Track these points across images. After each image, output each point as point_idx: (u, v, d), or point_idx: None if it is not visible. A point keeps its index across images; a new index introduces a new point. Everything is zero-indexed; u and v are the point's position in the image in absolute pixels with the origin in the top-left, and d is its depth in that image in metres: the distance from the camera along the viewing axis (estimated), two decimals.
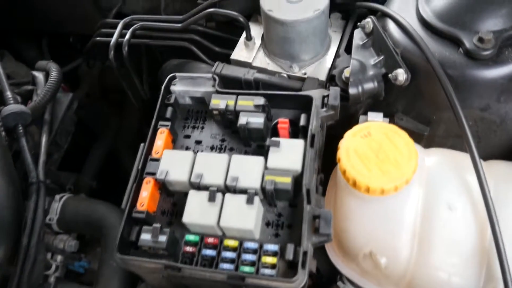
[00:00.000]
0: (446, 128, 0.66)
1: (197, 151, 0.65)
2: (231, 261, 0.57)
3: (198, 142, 0.68)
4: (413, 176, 0.56)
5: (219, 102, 0.65)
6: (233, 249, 0.58)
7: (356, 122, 0.67)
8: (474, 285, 0.57)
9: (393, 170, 0.56)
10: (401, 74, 0.64)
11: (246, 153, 0.66)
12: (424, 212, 0.58)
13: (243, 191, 0.58)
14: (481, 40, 0.59)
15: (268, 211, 0.61)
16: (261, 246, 0.58)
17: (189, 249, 0.59)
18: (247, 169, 0.60)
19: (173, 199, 0.64)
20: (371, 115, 0.66)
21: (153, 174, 0.63)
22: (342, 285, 0.76)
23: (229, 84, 0.75)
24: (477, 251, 0.56)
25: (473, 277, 0.56)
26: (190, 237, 0.60)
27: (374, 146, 0.58)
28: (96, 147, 1.18)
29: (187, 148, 0.68)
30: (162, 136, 0.66)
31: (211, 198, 0.58)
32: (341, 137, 0.62)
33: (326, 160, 0.71)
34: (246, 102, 0.64)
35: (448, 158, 0.62)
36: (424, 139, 0.67)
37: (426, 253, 0.57)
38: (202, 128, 0.69)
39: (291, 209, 0.61)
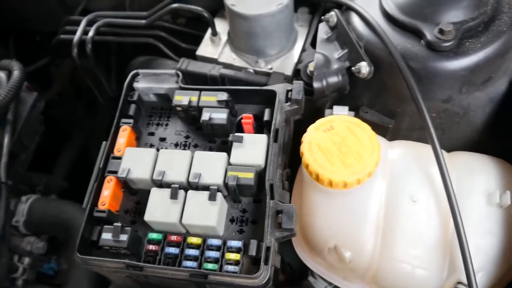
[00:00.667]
0: (410, 120, 0.66)
1: (161, 149, 0.64)
2: (195, 258, 0.57)
3: (163, 139, 0.67)
4: (375, 169, 0.56)
5: (182, 98, 0.64)
6: (197, 247, 0.57)
7: (322, 116, 0.67)
8: (437, 276, 0.57)
9: (356, 163, 0.56)
10: (364, 67, 0.63)
11: (210, 149, 0.65)
12: (387, 204, 0.58)
13: (206, 188, 0.57)
14: (441, 31, 0.59)
15: (232, 207, 0.60)
16: (224, 243, 0.57)
17: (152, 247, 0.58)
18: (210, 165, 0.59)
19: (136, 197, 0.63)
20: (337, 109, 0.65)
21: (115, 172, 0.61)
22: (312, 279, 0.76)
23: (195, 81, 0.75)
24: (440, 243, 0.56)
25: (437, 269, 0.57)
26: (153, 236, 0.59)
27: (336, 139, 0.58)
28: (68, 147, 1.16)
29: (151, 146, 0.67)
30: (124, 133, 0.64)
31: (174, 196, 0.57)
32: None
33: (295, 155, 0.70)
34: (210, 97, 0.64)
35: (411, 150, 0.62)
36: (389, 132, 0.67)
37: (389, 246, 0.57)
38: (167, 125, 0.68)
39: (256, 204, 0.60)
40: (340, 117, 0.60)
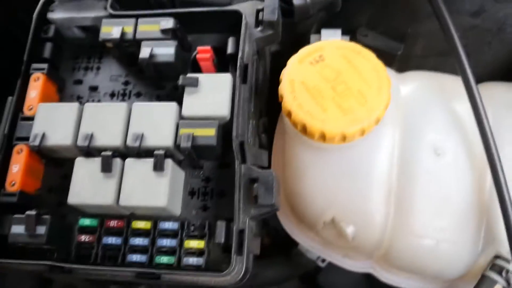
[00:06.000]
0: (426, 44, 0.50)
1: (93, 101, 0.47)
2: (143, 250, 0.42)
3: (94, 89, 0.50)
4: (385, 112, 0.40)
5: (111, 30, 0.46)
6: (145, 233, 0.42)
7: (308, 44, 0.50)
8: (469, 251, 0.43)
9: (357, 107, 0.40)
10: None
11: (158, 98, 0.48)
12: (402, 161, 0.42)
13: (150, 153, 0.41)
14: None
15: (191, 176, 0.44)
16: (183, 226, 0.42)
17: (84, 238, 0.43)
18: (155, 121, 0.42)
19: (63, 169, 0.47)
20: (326, 33, 0.49)
21: (26, 139, 0.44)
22: (304, 248, 0.62)
23: (133, 5, 0.55)
24: (473, 208, 0.42)
25: (468, 242, 0.43)
26: (85, 222, 0.43)
27: (329, 74, 0.41)
28: None
29: (78, 98, 0.49)
30: (37, 84, 0.47)
31: (106, 167, 0.41)
32: None
33: (273, 100, 0.54)
34: (150, 26, 0.46)
35: (430, 84, 0.46)
36: (397, 61, 0.51)
37: (406, 217, 0.42)
38: (98, 68, 0.51)
39: (222, 170, 0.44)
40: (332, 43, 0.43)
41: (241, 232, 0.39)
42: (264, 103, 0.52)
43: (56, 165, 0.47)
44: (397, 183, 0.42)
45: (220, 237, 0.39)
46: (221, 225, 0.40)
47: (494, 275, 0.41)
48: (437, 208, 0.41)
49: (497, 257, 0.42)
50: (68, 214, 0.45)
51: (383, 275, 0.47)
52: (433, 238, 0.42)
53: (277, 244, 0.71)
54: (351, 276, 0.65)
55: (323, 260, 0.63)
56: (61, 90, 0.50)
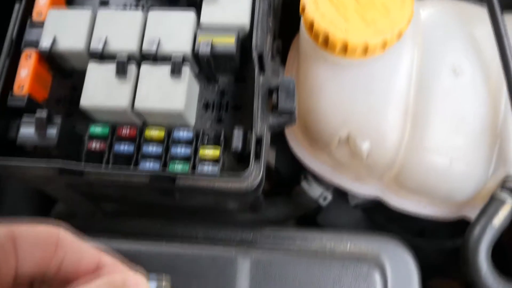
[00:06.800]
0: None
1: None
2: (156, 157, 0.41)
3: (104, 3, 0.48)
4: (407, 27, 0.40)
5: None
6: (159, 141, 0.41)
7: None
8: (481, 171, 0.43)
9: (381, 19, 0.39)
10: None
11: None
12: (420, 78, 0.42)
13: (167, 59, 0.40)
14: None
15: (206, 89, 0.44)
16: (197, 135, 0.41)
17: (95, 145, 0.42)
18: (172, 27, 0.41)
19: (71, 81, 0.45)
20: None
21: (36, 44, 0.43)
22: (306, 186, 0.62)
23: None
24: (487, 128, 0.42)
25: (481, 162, 0.43)
26: (97, 129, 0.42)
27: None
28: None
29: None
30: None
31: (120, 71, 0.40)
32: None
33: (284, 28, 0.54)
34: None
35: (450, 8, 0.46)
36: None
37: (422, 134, 0.42)
38: None
39: (238, 84, 0.44)
40: None
41: (259, 140, 0.39)
42: (278, 26, 0.51)
43: (64, 76, 0.46)
44: (415, 100, 0.42)
45: (237, 144, 0.39)
46: (238, 133, 0.39)
47: (504, 196, 0.42)
48: (453, 126, 0.42)
49: (507, 179, 0.43)
50: (76, 124, 0.43)
51: (392, 199, 0.47)
52: (447, 156, 0.42)
53: (277, 188, 0.71)
54: (350, 215, 0.66)
55: (325, 198, 0.63)
56: (70, 2, 0.48)
